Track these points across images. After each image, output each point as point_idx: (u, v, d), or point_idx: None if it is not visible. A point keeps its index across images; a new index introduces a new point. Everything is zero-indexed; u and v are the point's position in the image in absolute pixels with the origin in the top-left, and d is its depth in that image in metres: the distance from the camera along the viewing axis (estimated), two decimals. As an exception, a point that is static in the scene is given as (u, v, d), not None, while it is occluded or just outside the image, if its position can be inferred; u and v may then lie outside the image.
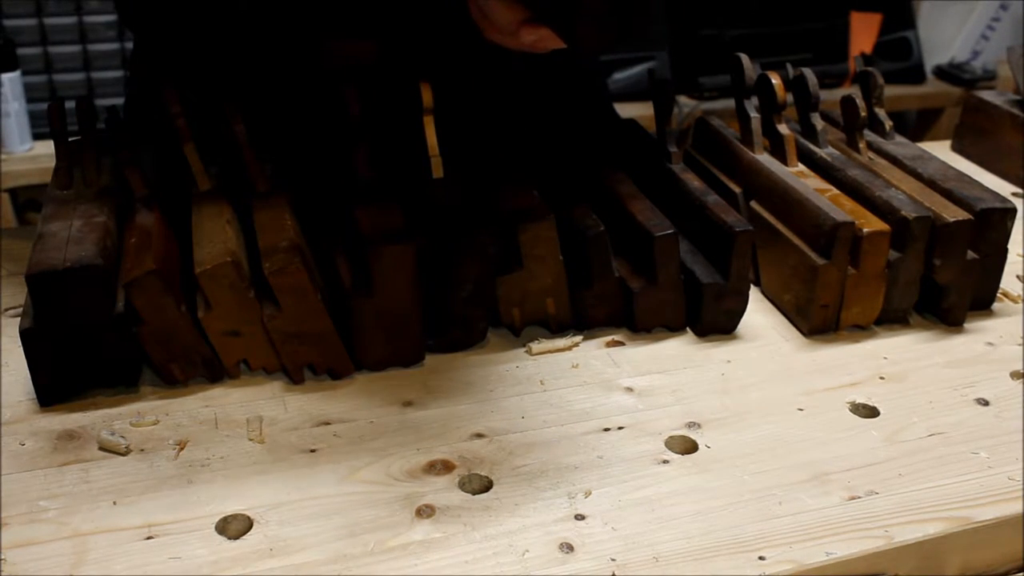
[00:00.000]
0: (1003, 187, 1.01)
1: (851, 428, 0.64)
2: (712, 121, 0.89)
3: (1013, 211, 0.75)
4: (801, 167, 0.80)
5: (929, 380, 0.69)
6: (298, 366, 0.66)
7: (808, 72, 0.82)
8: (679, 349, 0.72)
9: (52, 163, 0.74)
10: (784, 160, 0.80)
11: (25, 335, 0.61)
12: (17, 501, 0.55)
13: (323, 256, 0.69)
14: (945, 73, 2.38)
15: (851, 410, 0.65)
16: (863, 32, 2.31)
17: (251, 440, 0.60)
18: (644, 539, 0.53)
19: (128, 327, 0.62)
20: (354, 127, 0.71)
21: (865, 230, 0.70)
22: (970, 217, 0.73)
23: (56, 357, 0.62)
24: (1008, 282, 0.81)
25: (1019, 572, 0.58)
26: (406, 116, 0.70)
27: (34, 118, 1.85)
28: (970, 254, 0.74)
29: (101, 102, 1.85)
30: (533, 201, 0.70)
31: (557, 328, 0.73)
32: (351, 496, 0.56)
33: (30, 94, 1.84)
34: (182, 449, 0.59)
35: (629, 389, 0.67)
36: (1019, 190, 1.01)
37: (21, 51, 1.83)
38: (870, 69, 0.86)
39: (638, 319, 0.73)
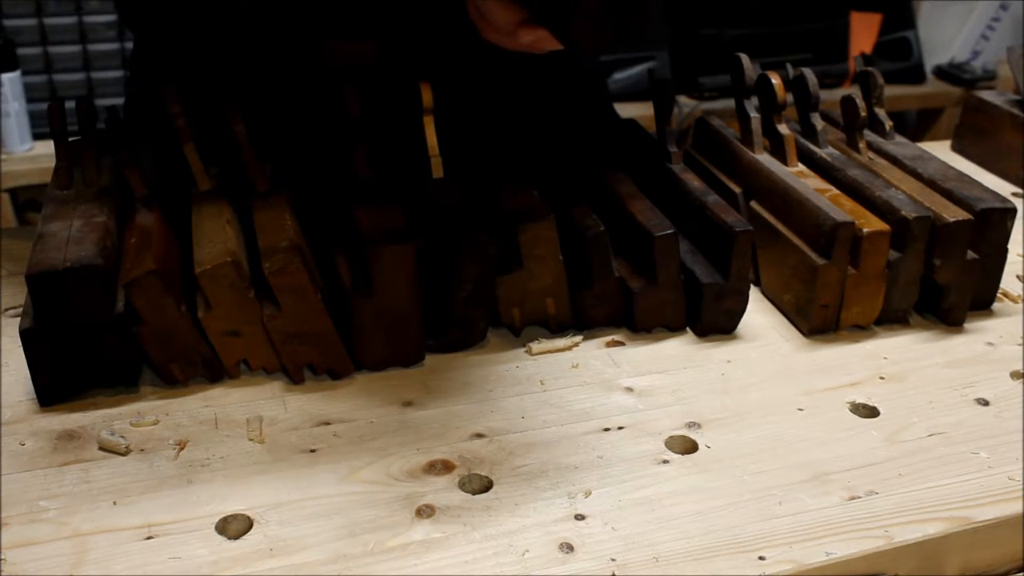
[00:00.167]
0: (1003, 187, 1.01)
1: (851, 428, 0.64)
2: (712, 121, 0.89)
3: (1013, 211, 0.75)
4: (801, 167, 0.80)
5: (929, 380, 0.69)
6: (298, 366, 0.66)
7: (808, 72, 0.82)
8: (679, 349, 0.72)
9: (52, 163, 0.74)
10: (784, 160, 0.80)
11: (25, 335, 0.61)
12: (17, 501, 0.55)
13: (323, 256, 0.69)
14: (945, 73, 2.38)
15: (851, 410, 0.65)
16: (863, 32, 2.31)
17: (251, 440, 0.60)
18: (644, 539, 0.53)
19: (128, 327, 0.62)
20: (354, 127, 0.71)
21: (865, 230, 0.70)
22: (970, 217, 0.73)
23: (56, 357, 0.62)
24: (1008, 282, 0.81)
25: (1019, 572, 0.58)
26: (406, 116, 0.70)
27: (34, 118, 1.85)
28: (970, 254, 0.74)
29: (101, 102, 1.85)
30: (533, 201, 0.70)
31: (557, 328, 0.73)
32: (351, 496, 0.56)
33: (30, 94, 1.83)
34: (182, 449, 0.59)
35: (629, 389, 0.67)
36: (1019, 190, 1.01)
37: (21, 51, 1.83)
38: (870, 69, 0.86)
39: (638, 319, 0.73)
